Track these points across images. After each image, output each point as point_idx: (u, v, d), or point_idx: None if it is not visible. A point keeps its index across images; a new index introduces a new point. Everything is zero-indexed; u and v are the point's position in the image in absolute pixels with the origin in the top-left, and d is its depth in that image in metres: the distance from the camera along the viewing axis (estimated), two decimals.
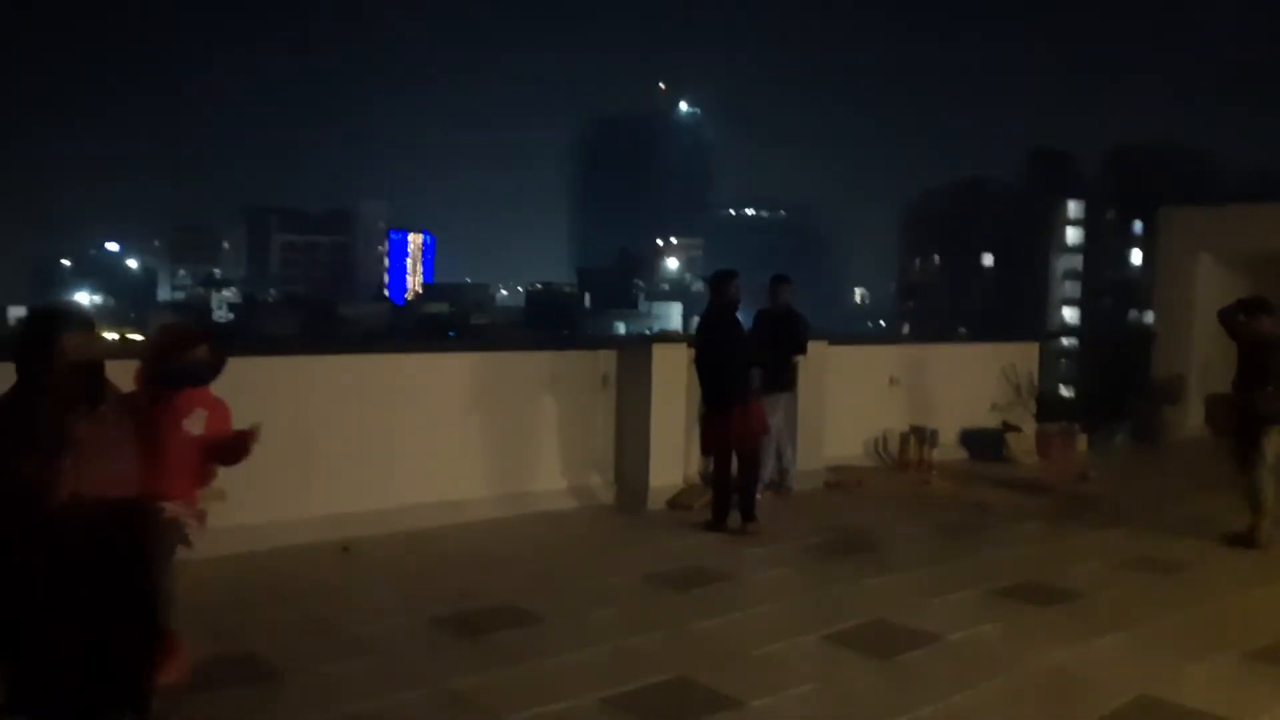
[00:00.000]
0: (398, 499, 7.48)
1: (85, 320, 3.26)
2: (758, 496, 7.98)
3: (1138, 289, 69.08)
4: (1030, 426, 11.56)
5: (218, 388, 4.52)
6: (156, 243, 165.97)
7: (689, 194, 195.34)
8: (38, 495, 2.89)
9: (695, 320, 8.54)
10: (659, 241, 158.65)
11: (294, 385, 7.16)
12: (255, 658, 4.94)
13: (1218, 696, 4.83)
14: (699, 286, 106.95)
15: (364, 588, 6.24)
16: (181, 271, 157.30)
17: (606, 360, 8.80)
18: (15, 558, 2.88)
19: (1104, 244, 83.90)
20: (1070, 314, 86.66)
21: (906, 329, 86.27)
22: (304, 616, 5.63)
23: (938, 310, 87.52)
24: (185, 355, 4.04)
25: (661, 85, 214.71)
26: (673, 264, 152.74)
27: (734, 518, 7.79)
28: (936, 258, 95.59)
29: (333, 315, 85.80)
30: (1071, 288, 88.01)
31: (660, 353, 8.55)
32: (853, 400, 10.46)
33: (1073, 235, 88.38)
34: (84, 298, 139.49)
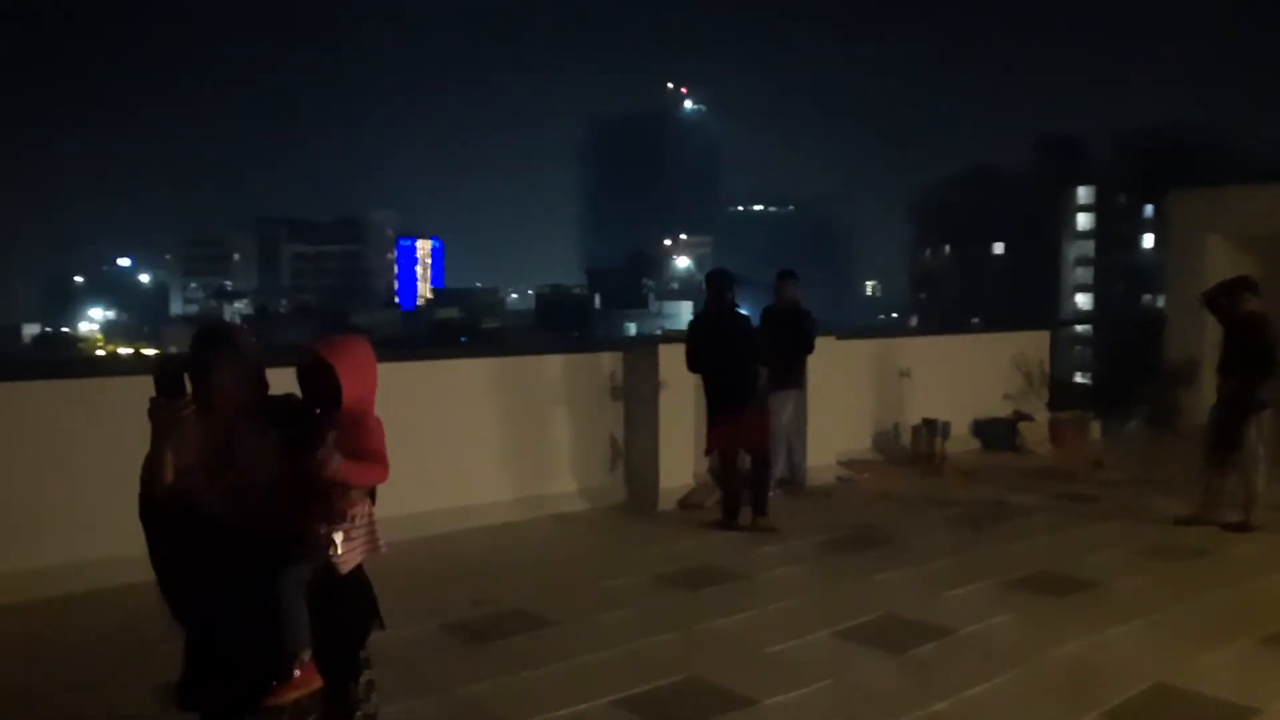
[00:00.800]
0: (409, 506, 7.46)
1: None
2: (770, 493, 7.97)
3: (1150, 273, 68.73)
4: (1043, 415, 11.50)
5: None
6: (168, 256, 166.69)
7: (697, 192, 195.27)
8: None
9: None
10: (668, 241, 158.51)
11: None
12: None
13: (1235, 682, 4.80)
14: None
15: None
16: (193, 285, 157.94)
17: (614, 362, 8.79)
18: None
19: (1115, 229, 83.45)
20: (1084, 300, 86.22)
21: (915, 321, 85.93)
22: None
23: (950, 300, 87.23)
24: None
25: (669, 85, 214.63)
26: (682, 263, 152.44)
27: (745, 513, 7.77)
28: (947, 248, 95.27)
29: (344, 324, 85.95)
30: (1084, 274, 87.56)
31: (668, 353, 8.53)
32: (864, 394, 10.44)
33: (1084, 221, 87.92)
34: (98, 314, 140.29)
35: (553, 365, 8.66)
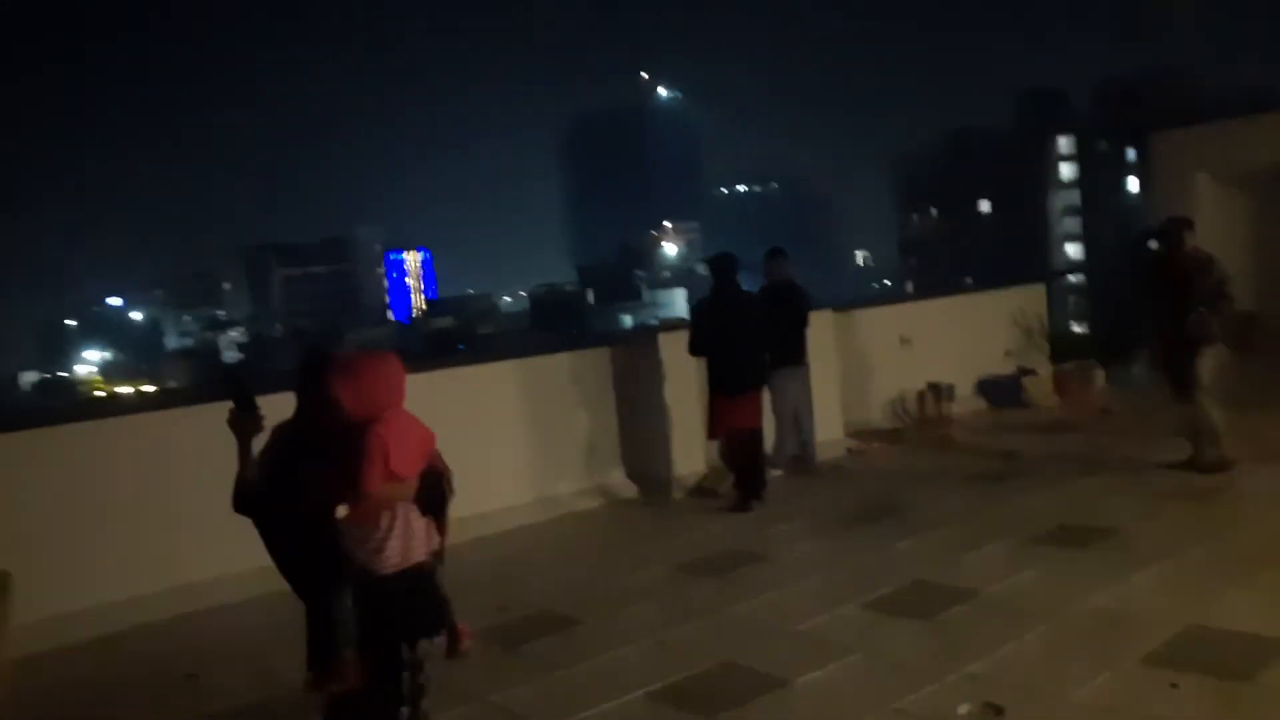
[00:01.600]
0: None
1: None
2: (776, 472, 8.02)
3: (1138, 217, 68.62)
4: (1046, 369, 11.50)
5: None
6: (158, 292, 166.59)
7: (680, 178, 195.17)
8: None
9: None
10: (655, 230, 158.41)
11: None
12: (293, 681, 4.92)
13: (1266, 616, 4.79)
14: (702, 269, 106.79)
15: None
16: (186, 318, 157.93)
17: (615, 356, 8.78)
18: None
19: (1099, 176, 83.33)
20: (1074, 250, 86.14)
21: (910, 286, 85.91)
22: None
23: (941, 263, 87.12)
24: None
25: (643, 75, 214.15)
26: (671, 250, 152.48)
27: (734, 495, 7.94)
28: (934, 211, 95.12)
29: (340, 342, 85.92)
30: (1072, 224, 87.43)
31: (667, 341, 8.52)
32: (866, 364, 10.42)
33: (1067, 171, 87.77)
34: (94, 355, 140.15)
35: (554, 365, 8.64)
